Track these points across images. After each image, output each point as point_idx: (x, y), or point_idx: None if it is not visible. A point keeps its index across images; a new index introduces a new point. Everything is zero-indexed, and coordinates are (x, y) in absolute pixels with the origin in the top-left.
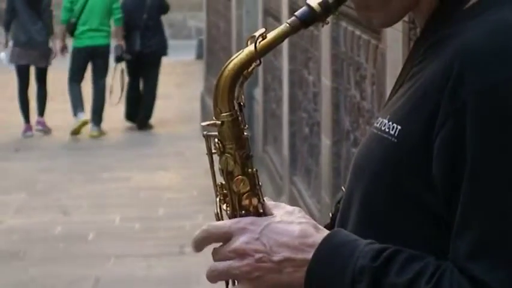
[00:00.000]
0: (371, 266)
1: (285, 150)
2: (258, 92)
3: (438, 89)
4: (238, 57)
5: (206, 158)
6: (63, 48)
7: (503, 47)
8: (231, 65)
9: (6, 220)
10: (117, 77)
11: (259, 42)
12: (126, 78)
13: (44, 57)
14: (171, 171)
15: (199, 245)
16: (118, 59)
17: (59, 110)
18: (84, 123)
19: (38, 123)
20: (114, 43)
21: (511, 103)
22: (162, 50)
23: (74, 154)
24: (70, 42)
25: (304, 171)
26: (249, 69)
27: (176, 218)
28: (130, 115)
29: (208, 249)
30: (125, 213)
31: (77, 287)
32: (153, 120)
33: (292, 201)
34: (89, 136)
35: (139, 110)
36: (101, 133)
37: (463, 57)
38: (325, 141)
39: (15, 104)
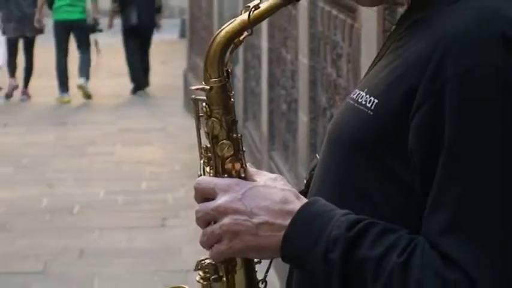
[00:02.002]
0: (345, 236)
1: (264, 126)
2: (239, 70)
3: (418, 70)
4: (230, 25)
5: (188, 134)
6: (39, 21)
7: (483, 33)
8: (223, 32)
9: None
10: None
11: (253, 12)
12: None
13: (32, 28)
14: (153, 146)
15: (195, 196)
16: (92, 30)
17: (48, 86)
18: (67, 101)
19: (23, 93)
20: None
21: (488, 87)
22: (154, 24)
23: (59, 129)
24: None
25: (282, 147)
26: (241, 38)
27: (158, 192)
28: (136, 84)
29: (189, 223)
30: (109, 187)
31: (62, 258)
32: (136, 96)
33: None
34: (81, 93)
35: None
36: (89, 94)
37: (445, 42)
38: (302, 118)
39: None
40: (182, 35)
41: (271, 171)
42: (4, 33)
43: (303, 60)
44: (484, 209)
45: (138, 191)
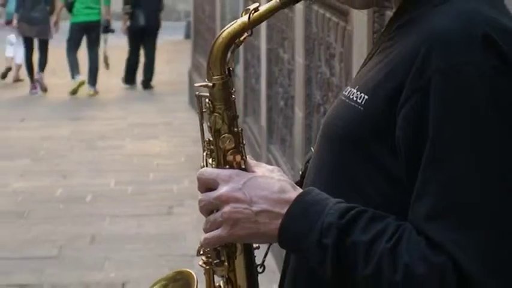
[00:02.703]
0: (337, 223)
1: (263, 121)
2: (239, 69)
3: (405, 67)
4: (232, 26)
5: (193, 128)
6: (56, 23)
7: (468, 33)
8: (225, 33)
9: (12, 183)
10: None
11: (253, 14)
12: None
13: (45, 31)
14: (160, 140)
15: (198, 186)
16: (105, 31)
17: (62, 83)
18: (81, 83)
19: (37, 81)
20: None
21: (471, 83)
22: (159, 25)
23: (73, 124)
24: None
25: (280, 140)
26: (241, 38)
27: (165, 182)
28: (128, 80)
29: (193, 211)
30: (119, 178)
31: (75, 243)
32: (144, 94)
33: None
34: (86, 95)
35: (144, 73)
36: (96, 92)
37: (431, 41)
38: (298, 114)
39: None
40: (187, 36)
41: (270, 164)
42: (21, 33)
43: (299, 60)
44: (467, 195)
45: (146, 181)
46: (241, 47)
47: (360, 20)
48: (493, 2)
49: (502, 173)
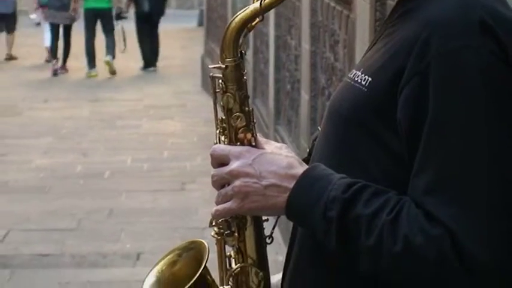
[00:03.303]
0: (341, 197)
1: (271, 103)
2: (249, 54)
3: (407, 51)
4: (244, 12)
5: (205, 110)
6: (74, 10)
7: (466, 19)
8: (237, 19)
9: (35, 160)
10: (119, 31)
11: (264, 1)
12: (125, 33)
13: (69, 17)
14: (175, 120)
15: (211, 161)
16: (117, 17)
17: (81, 67)
18: (94, 76)
19: (61, 68)
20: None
21: (468, 65)
22: (162, 11)
23: (93, 105)
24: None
25: (286, 121)
26: (253, 23)
27: (178, 160)
28: (146, 63)
29: (205, 187)
30: (136, 155)
31: (94, 216)
32: (160, 77)
33: None
34: (107, 69)
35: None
36: (114, 70)
37: (431, 27)
38: (304, 96)
39: None
40: (200, 23)
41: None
42: (47, 19)
43: (305, 46)
44: (464, 170)
45: (160, 159)
46: (251, 34)
47: (363, 8)
48: None
49: (499, 151)
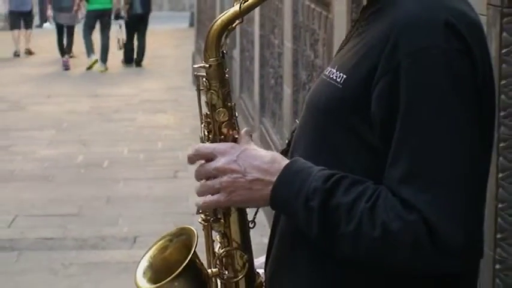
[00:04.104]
0: (322, 187)
1: (256, 97)
2: (236, 52)
3: (378, 50)
4: (225, 15)
5: (196, 104)
6: (77, 11)
7: (431, 20)
8: (219, 21)
9: (39, 151)
10: (118, 31)
11: (243, 4)
12: (124, 32)
13: (72, 18)
14: (168, 114)
15: (191, 158)
16: (116, 17)
17: (80, 64)
18: (95, 61)
19: (65, 64)
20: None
21: (436, 64)
22: (150, 11)
23: (92, 100)
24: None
25: (271, 114)
26: (233, 25)
27: (171, 150)
28: (128, 59)
29: None
30: (132, 146)
31: (94, 203)
32: (154, 74)
33: (262, 137)
34: (98, 71)
35: (137, 54)
36: (106, 69)
37: (399, 27)
38: (287, 90)
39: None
40: (191, 24)
41: (262, 134)
42: (54, 19)
43: (287, 44)
44: (435, 160)
45: (155, 149)
46: (237, 33)
47: (340, 10)
48: None
49: (466, 141)
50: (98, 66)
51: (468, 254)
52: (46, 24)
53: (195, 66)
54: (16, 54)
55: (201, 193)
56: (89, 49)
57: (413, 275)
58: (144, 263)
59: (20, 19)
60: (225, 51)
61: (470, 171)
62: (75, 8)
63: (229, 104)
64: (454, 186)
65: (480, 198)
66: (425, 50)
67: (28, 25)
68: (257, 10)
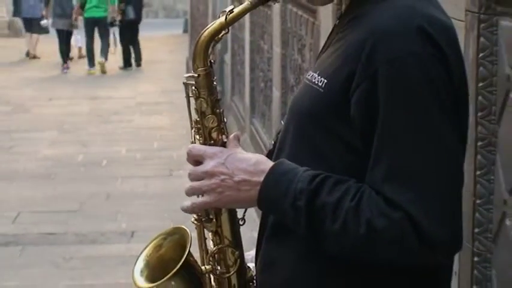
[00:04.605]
0: (307, 188)
1: (247, 99)
2: (228, 57)
3: (356, 57)
4: (212, 26)
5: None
6: (76, 19)
7: (405, 27)
8: (206, 32)
9: (42, 151)
10: (111, 36)
11: (229, 15)
12: (117, 39)
13: (69, 24)
14: (163, 115)
15: (188, 159)
16: (111, 25)
17: (80, 69)
18: (100, 63)
19: (64, 67)
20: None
21: (411, 68)
22: (141, 17)
23: (92, 103)
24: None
25: (260, 115)
26: (220, 36)
27: (167, 150)
28: (126, 63)
29: None
30: (130, 146)
31: (94, 199)
32: (150, 77)
33: (252, 137)
34: (99, 71)
35: (135, 57)
36: (105, 70)
37: (375, 35)
38: (276, 93)
39: None
40: (185, 30)
41: (252, 134)
42: (54, 26)
43: (276, 49)
44: (415, 159)
45: (151, 149)
46: (229, 39)
47: (326, 16)
48: None
49: (443, 142)
50: (101, 60)
51: (451, 246)
52: (43, 22)
53: (185, 75)
54: (28, 56)
55: (190, 195)
56: (90, 60)
57: (396, 267)
58: (140, 262)
59: (31, 24)
60: (213, 61)
61: (449, 169)
62: (74, 16)
63: (217, 110)
64: (435, 184)
65: (458, 194)
66: (400, 57)
67: (36, 31)
68: (247, 17)
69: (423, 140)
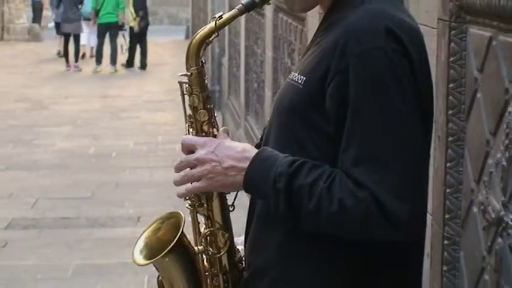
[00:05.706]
0: (287, 171)
1: (242, 99)
2: (225, 60)
3: (330, 55)
4: (203, 30)
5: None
6: (94, 23)
7: (374, 27)
8: (198, 36)
9: (58, 143)
10: (121, 39)
11: (218, 21)
12: (127, 40)
13: (77, 28)
14: (166, 112)
15: (182, 149)
16: (120, 29)
17: (91, 69)
18: (99, 71)
19: (75, 66)
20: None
21: (377, 62)
22: (149, 23)
23: (103, 100)
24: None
25: (254, 113)
26: (210, 39)
27: (170, 143)
28: (129, 63)
29: None
30: (137, 140)
31: (104, 188)
32: (155, 78)
33: (247, 132)
34: (108, 72)
35: (141, 59)
36: (116, 70)
37: (347, 34)
38: (268, 93)
39: None
40: (187, 36)
41: (247, 130)
42: (61, 29)
43: (268, 53)
44: (381, 144)
45: (156, 142)
46: (226, 44)
47: (313, 24)
48: (395, 4)
49: (407, 126)
50: (109, 68)
51: (413, 223)
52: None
53: (179, 74)
54: (59, 55)
55: (185, 181)
56: (98, 58)
57: (369, 243)
58: (140, 243)
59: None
60: (204, 61)
61: (412, 153)
62: (92, 22)
63: (208, 106)
64: (399, 167)
65: (422, 176)
66: (368, 51)
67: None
68: (243, 24)
69: (388, 125)
